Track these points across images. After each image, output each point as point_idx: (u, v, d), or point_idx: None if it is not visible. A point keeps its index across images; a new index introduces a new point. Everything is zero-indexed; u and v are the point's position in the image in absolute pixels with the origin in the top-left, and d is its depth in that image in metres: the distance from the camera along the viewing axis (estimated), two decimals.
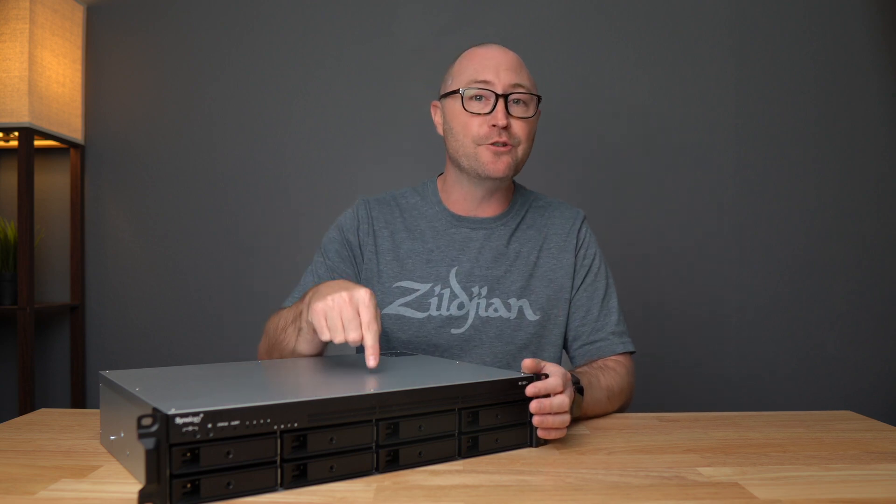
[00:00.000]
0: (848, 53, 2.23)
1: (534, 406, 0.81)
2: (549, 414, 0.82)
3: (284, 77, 2.26)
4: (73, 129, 2.19)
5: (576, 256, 1.25)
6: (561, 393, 0.83)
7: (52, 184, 2.28)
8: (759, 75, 2.24)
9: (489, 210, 1.25)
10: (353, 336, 0.85)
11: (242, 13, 2.27)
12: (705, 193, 2.24)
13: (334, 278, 1.16)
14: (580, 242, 1.26)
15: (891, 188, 2.24)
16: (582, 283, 1.24)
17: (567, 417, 0.84)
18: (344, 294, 0.87)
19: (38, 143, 2.14)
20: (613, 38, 2.25)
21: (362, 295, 0.87)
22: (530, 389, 0.82)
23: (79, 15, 2.23)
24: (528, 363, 0.85)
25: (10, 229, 2.12)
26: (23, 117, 1.97)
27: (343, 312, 0.86)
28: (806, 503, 0.65)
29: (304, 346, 1.01)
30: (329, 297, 0.87)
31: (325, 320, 0.87)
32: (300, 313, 0.99)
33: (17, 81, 1.97)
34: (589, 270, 1.25)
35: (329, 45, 2.26)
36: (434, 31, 2.22)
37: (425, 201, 1.28)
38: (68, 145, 2.22)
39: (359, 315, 0.86)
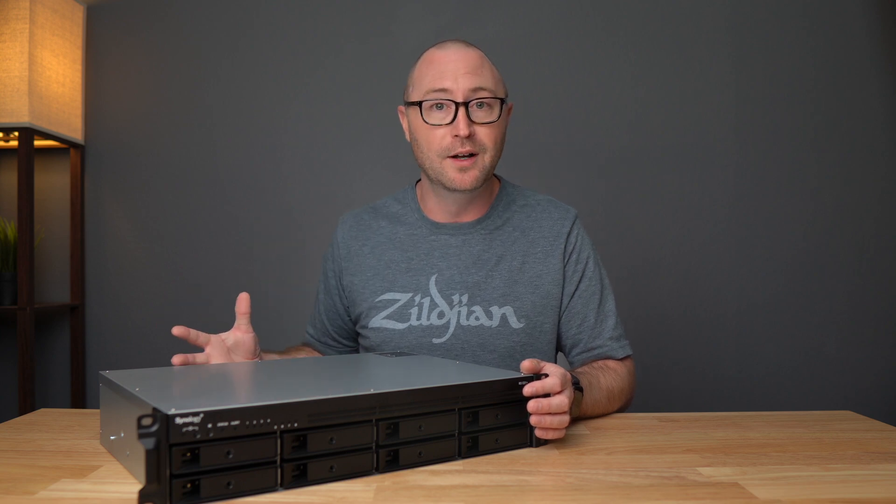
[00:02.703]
0: (848, 53, 2.23)
1: (531, 406, 0.81)
2: (548, 414, 0.82)
3: (284, 77, 2.26)
4: (73, 129, 2.19)
5: (565, 262, 1.19)
6: (560, 393, 0.83)
7: (52, 184, 2.28)
8: (758, 76, 2.24)
9: (468, 215, 1.21)
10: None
11: (242, 13, 2.27)
12: (705, 194, 2.24)
13: (324, 311, 1.31)
14: (570, 247, 1.20)
15: (891, 188, 2.24)
16: (576, 290, 1.19)
17: (566, 418, 0.84)
18: None
19: (38, 143, 2.14)
20: (614, 38, 2.25)
21: None
22: (528, 389, 0.82)
23: (79, 15, 2.23)
24: (527, 364, 0.84)
25: (10, 229, 2.12)
26: (23, 117, 1.97)
27: None
28: (806, 503, 0.65)
29: None
30: None
31: None
32: None
33: (17, 81, 1.97)
34: (583, 276, 1.19)
35: (329, 44, 2.26)
36: (434, 31, 2.22)
37: (405, 209, 1.26)
38: (68, 145, 2.22)
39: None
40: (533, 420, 0.82)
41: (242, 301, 1.05)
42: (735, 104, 2.24)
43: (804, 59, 2.23)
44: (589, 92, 2.24)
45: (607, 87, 2.24)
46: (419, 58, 1.18)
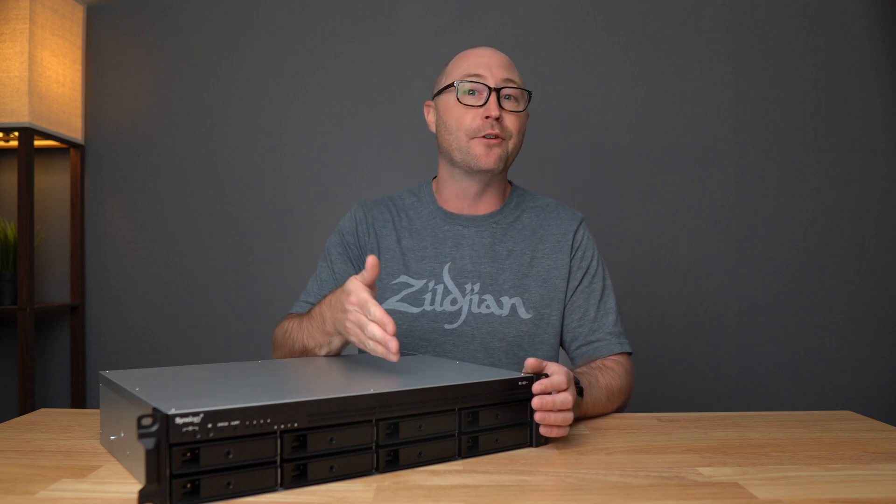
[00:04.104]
0: (848, 53, 2.23)
1: (536, 402, 0.81)
2: (552, 411, 0.82)
3: (284, 77, 2.26)
4: (73, 129, 2.19)
5: (571, 258, 1.25)
6: (564, 390, 0.84)
7: (52, 184, 2.28)
8: (758, 76, 2.24)
9: (482, 208, 1.27)
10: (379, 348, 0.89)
11: (242, 13, 2.27)
12: (705, 194, 2.24)
13: (338, 281, 1.22)
14: (576, 244, 1.26)
15: (891, 188, 2.24)
16: (579, 285, 1.24)
17: (570, 415, 0.84)
18: (350, 310, 0.93)
19: (38, 143, 2.14)
20: (614, 38, 2.25)
21: (359, 300, 0.92)
22: (537, 387, 0.82)
23: (79, 15, 2.23)
24: (530, 362, 0.85)
25: (10, 229, 2.12)
26: (23, 117, 1.97)
27: (364, 327, 0.90)
28: (806, 503, 0.65)
29: (335, 350, 1.09)
30: (349, 314, 0.94)
31: (363, 334, 0.91)
32: (322, 324, 1.05)
33: (17, 81, 1.97)
34: (586, 272, 1.25)
35: (329, 44, 2.26)
36: (434, 31, 2.22)
37: (421, 201, 1.31)
38: (68, 145, 2.22)
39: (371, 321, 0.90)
40: (538, 417, 0.82)
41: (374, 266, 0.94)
42: (735, 104, 2.24)
43: (804, 59, 2.23)
44: (589, 92, 2.24)
45: (607, 87, 2.24)
46: (452, 58, 1.27)
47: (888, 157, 2.24)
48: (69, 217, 2.26)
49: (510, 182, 1.34)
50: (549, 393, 0.83)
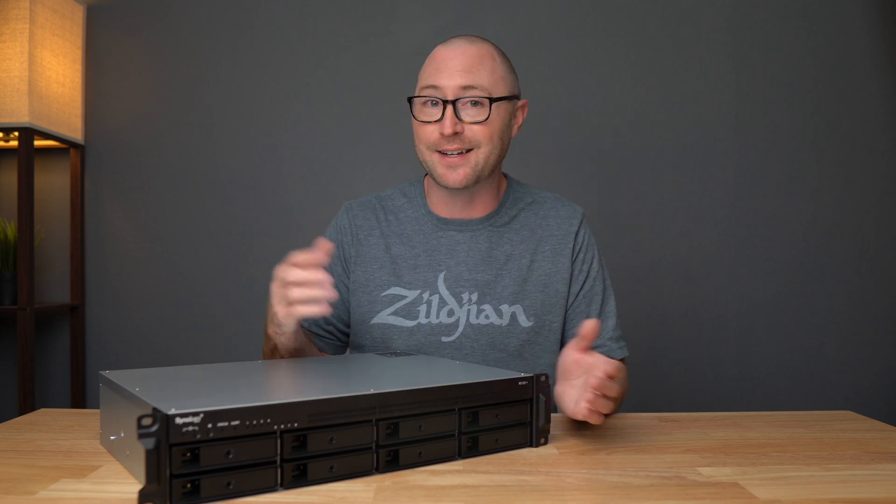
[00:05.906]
0: (848, 53, 2.23)
1: (595, 383, 0.80)
2: (604, 397, 0.82)
3: (284, 77, 2.26)
4: (73, 129, 2.19)
5: (573, 261, 1.20)
6: (612, 380, 0.83)
7: (52, 184, 2.28)
8: (758, 76, 2.24)
9: (475, 211, 1.20)
10: (300, 309, 0.94)
11: (242, 13, 2.27)
12: (705, 194, 2.24)
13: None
14: (578, 246, 1.20)
15: (891, 188, 2.24)
16: (581, 290, 1.20)
17: (611, 404, 0.84)
18: (273, 289, 0.97)
19: (38, 143, 2.14)
20: (614, 38, 2.25)
21: (279, 273, 0.95)
22: (610, 369, 0.81)
23: (79, 15, 2.23)
24: (589, 325, 0.85)
25: (10, 229, 2.12)
26: (23, 117, 1.97)
27: (278, 300, 0.96)
28: (806, 503, 0.65)
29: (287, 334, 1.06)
30: (269, 309, 1.00)
31: (276, 317, 0.98)
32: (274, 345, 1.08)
33: (17, 81, 1.97)
34: (588, 276, 1.20)
35: (329, 44, 2.26)
36: (434, 31, 2.22)
37: (411, 203, 1.24)
38: (68, 145, 2.22)
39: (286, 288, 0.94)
40: (589, 398, 0.81)
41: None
42: (735, 104, 2.24)
43: (804, 59, 2.23)
44: (589, 92, 2.24)
45: (607, 87, 2.24)
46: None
47: (888, 157, 2.24)
48: (69, 217, 2.26)
49: (505, 175, 1.26)
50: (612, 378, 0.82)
